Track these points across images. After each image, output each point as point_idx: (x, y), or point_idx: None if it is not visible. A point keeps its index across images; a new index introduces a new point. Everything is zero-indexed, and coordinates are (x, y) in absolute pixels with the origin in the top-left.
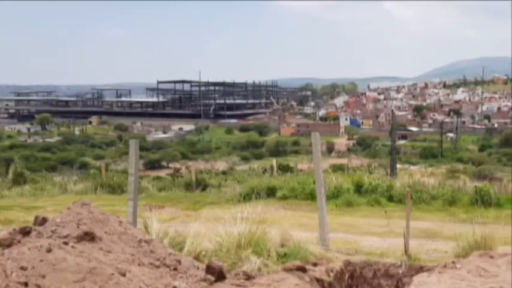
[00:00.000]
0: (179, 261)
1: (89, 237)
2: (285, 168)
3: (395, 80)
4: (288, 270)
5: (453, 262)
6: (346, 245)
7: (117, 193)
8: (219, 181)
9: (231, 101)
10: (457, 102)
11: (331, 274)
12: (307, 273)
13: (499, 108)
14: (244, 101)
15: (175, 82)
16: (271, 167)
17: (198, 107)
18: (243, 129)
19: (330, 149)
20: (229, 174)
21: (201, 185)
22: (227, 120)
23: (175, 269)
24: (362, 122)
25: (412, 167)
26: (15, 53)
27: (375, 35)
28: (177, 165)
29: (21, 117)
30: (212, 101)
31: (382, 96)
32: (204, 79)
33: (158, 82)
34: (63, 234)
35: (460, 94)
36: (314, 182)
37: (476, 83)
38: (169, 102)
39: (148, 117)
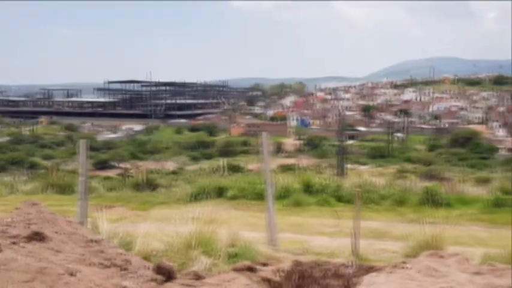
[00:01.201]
0: (129, 261)
1: (38, 237)
2: (234, 168)
3: (344, 80)
4: (237, 270)
5: (403, 262)
6: (295, 245)
7: (67, 193)
8: (168, 181)
9: (181, 101)
10: (405, 102)
11: (280, 274)
12: (257, 273)
13: (447, 108)
14: (194, 101)
15: (125, 82)
16: (221, 167)
17: (148, 107)
18: (193, 129)
19: (278, 149)
20: (179, 174)
21: (151, 185)
22: (177, 120)
23: (124, 269)
24: (310, 122)
25: (361, 167)
26: None
27: (324, 35)
28: (127, 165)
29: None
30: (162, 101)
31: (330, 96)
32: (154, 79)
33: (108, 82)
34: (13, 234)
35: (409, 94)
36: (263, 182)
37: (425, 82)
38: (119, 102)
39: (98, 117)
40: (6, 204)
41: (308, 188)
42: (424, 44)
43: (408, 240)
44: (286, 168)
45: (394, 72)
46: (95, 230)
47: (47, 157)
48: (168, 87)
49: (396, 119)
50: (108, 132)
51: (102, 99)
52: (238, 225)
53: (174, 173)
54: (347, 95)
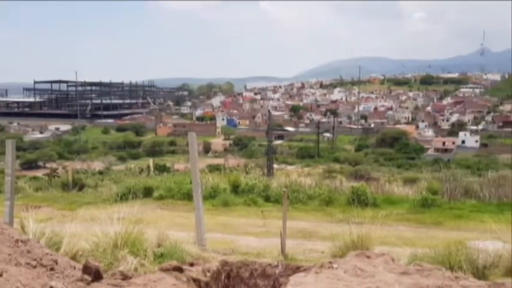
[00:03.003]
0: (56, 261)
1: None
2: (161, 168)
3: (272, 80)
4: (164, 270)
5: (330, 262)
6: (223, 245)
7: None
8: (95, 181)
9: (108, 101)
10: (333, 102)
11: (208, 274)
12: (184, 273)
13: (375, 108)
14: (121, 101)
15: (52, 82)
16: (148, 167)
17: (75, 107)
18: (120, 129)
19: (206, 149)
20: (106, 174)
21: (78, 185)
22: (104, 120)
23: (52, 269)
24: (239, 122)
25: (288, 167)
26: None
27: (253, 35)
28: (54, 165)
29: None
30: (89, 101)
31: (258, 96)
32: (81, 79)
33: (35, 82)
34: None
35: (337, 94)
36: (191, 182)
37: (353, 83)
38: (46, 102)
39: (25, 117)
40: None
41: (236, 188)
42: (352, 44)
43: (335, 240)
44: (214, 168)
45: (322, 72)
46: (22, 230)
47: None
48: (94, 87)
49: (324, 119)
50: (35, 132)
51: (28, 99)
52: (165, 225)
53: (101, 173)
54: (275, 95)
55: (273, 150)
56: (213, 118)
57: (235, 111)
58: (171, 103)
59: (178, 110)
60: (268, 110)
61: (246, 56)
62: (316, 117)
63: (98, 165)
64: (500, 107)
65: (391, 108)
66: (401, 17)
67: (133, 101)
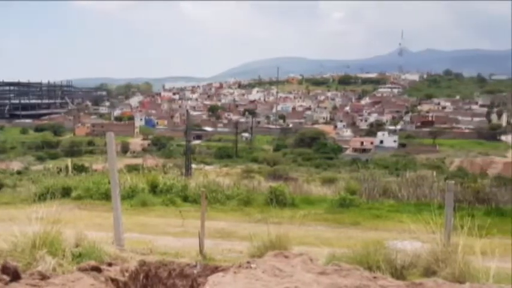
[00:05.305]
0: None
1: None
2: (79, 168)
3: (191, 80)
4: (82, 270)
5: (248, 262)
6: (141, 244)
7: None
8: (14, 181)
9: (26, 101)
10: (252, 102)
11: (126, 274)
12: (102, 273)
13: (293, 108)
14: (39, 101)
15: None
16: (66, 167)
17: None
18: (38, 129)
19: (125, 149)
20: (24, 174)
21: None
22: (22, 120)
23: None
24: (157, 122)
25: (207, 167)
26: None
27: (171, 35)
28: None
29: None
30: (7, 101)
31: (177, 96)
32: None
33: None
34: None
35: (255, 94)
36: (109, 182)
37: (271, 83)
38: None
39: None
40: None
41: (154, 188)
42: (270, 44)
43: (254, 240)
44: (132, 168)
45: (241, 73)
46: None
47: None
48: (12, 87)
49: (243, 119)
50: None
51: None
52: (83, 225)
53: (19, 172)
54: (194, 95)
55: (191, 150)
56: (131, 118)
57: (153, 111)
58: (89, 103)
59: (96, 110)
60: (187, 110)
61: (164, 56)
62: (235, 117)
63: (16, 165)
64: (419, 107)
65: (309, 108)
66: (320, 17)
67: (51, 101)
